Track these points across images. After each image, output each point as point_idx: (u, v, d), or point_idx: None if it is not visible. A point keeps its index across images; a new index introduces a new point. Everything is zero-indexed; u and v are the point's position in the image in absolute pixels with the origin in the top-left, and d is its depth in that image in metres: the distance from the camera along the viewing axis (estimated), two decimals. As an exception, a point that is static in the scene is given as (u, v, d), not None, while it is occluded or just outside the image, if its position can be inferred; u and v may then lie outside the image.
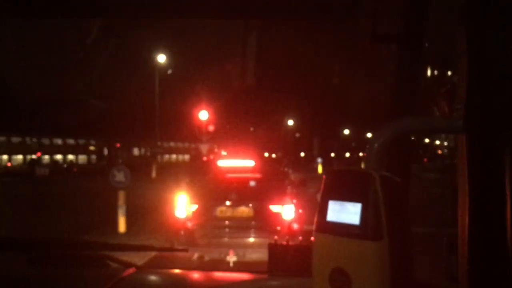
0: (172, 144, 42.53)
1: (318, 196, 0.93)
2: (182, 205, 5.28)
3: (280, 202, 5.33)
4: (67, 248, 1.69)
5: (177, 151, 50.45)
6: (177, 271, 1.47)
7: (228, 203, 5.39)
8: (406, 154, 1.32)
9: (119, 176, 6.99)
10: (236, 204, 5.36)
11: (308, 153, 44.28)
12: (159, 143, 32.17)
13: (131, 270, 1.32)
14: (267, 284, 1.25)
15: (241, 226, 5.09)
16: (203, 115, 11.78)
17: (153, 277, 1.38)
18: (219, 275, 1.47)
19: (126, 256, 1.52)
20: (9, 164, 31.18)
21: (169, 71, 20.51)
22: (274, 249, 1.24)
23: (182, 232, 5.08)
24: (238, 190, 5.53)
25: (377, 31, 1.27)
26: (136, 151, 44.19)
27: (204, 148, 11.51)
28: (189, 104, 16.04)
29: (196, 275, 1.46)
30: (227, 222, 5.15)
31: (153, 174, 21.44)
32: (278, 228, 4.99)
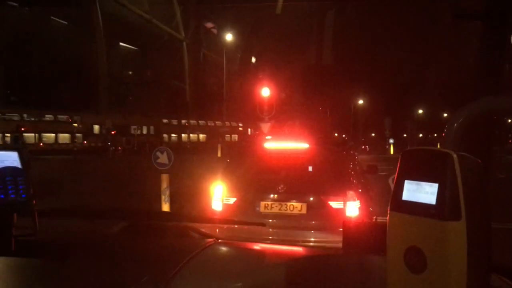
0: (234, 124, 41.82)
1: (391, 181, 0.92)
2: (218, 196, 4.42)
3: (342, 196, 4.06)
4: (154, 219, 1.80)
5: (239, 131, 50.18)
6: (254, 244, 1.52)
7: (274, 196, 4.25)
8: (488, 135, 1.26)
9: (163, 158, 6.49)
10: (284, 198, 4.21)
11: (379, 134, 42.80)
12: (227, 123, 32.42)
13: (212, 241, 1.39)
14: (341, 260, 1.27)
15: (290, 226, 4.06)
16: (265, 91, 11.03)
17: (232, 248, 1.45)
18: (294, 249, 1.50)
19: (206, 228, 1.60)
20: (85, 142, 32.89)
21: (253, 60, 20.66)
22: (349, 227, 1.25)
23: (217, 230, 3.56)
24: (288, 180, 4.34)
25: (460, 8, 1.21)
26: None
27: (265, 127, 10.49)
28: (254, 82, 16.11)
29: (272, 248, 1.50)
30: (272, 221, 4.12)
31: (219, 154, 21.82)
32: (340, 229, 3.61)
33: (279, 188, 4.24)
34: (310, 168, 4.46)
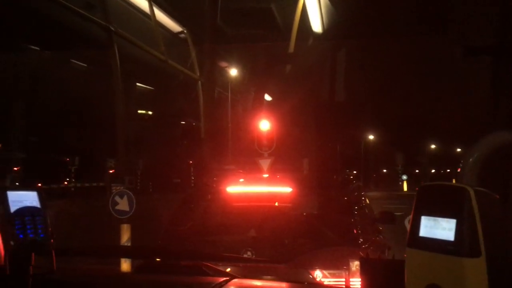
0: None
1: (407, 223, 0.90)
2: None
3: (341, 267, 2.29)
4: (167, 257, 1.79)
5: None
6: (271, 281, 1.50)
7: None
8: (505, 169, 1.25)
9: (122, 203, 5.45)
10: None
11: (391, 169, 42.25)
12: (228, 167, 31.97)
13: (228, 279, 1.38)
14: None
15: None
16: (264, 125, 9.82)
17: (247, 286, 1.42)
18: (311, 287, 1.47)
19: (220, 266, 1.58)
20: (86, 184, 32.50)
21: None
22: (365, 264, 1.22)
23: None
24: (258, 244, 2.94)
25: (470, 44, 1.22)
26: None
27: (265, 164, 9.26)
28: (251, 116, 16.04)
29: (288, 286, 1.48)
30: None
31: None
32: None
33: (244, 256, 2.63)
34: (293, 225, 3.15)
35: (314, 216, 3.43)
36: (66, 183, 29.03)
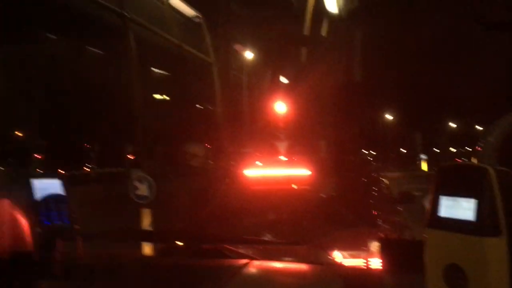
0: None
1: (427, 203, 0.90)
2: None
3: (361, 248, 2.31)
4: (188, 240, 1.82)
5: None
6: (290, 263, 1.52)
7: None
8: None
9: (142, 188, 5.38)
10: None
11: (410, 149, 41.70)
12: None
13: (248, 261, 1.40)
14: (382, 279, 1.25)
15: None
16: (280, 107, 9.69)
17: (268, 268, 1.44)
18: (333, 268, 1.49)
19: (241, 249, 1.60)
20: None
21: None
22: (386, 244, 1.23)
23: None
24: (277, 226, 2.90)
25: (491, 20, 1.20)
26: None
27: (282, 146, 9.07)
28: (268, 99, 15.95)
29: (309, 267, 1.49)
30: None
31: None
32: None
33: (262, 238, 2.57)
34: (311, 207, 3.15)
35: (332, 197, 3.46)
36: (86, 169, 29.48)
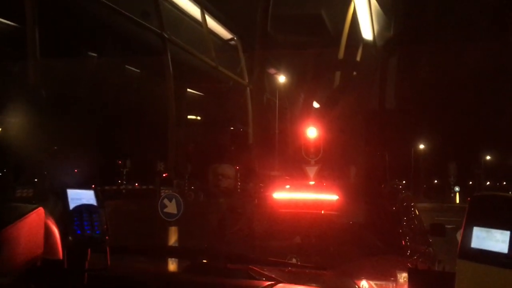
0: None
1: (459, 236, 0.88)
2: None
3: (388, 278, 2.14)
4: (214, 259, 1.82)
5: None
6: (314, 287, 1.50)
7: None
8: None
9: (171, 206, 5.50)
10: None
11: (443, 180, 40.42)
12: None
13: (273, 283, 1.39)
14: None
15: None
16: (311, 132, 9.69)
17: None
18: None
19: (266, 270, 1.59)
20: (136, 185, 33.10)
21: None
22: (414, 275, 1.19)
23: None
24: (304, 250, 2.93)
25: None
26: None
27: (311, 171, 9.12)
28: (299, 123, 15.92)
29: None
30: None
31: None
32: None
33: (289, 261, 2.57)
34: (339, 233, 3.17)
35: (361, 224, 3.37)
36: (117, 185, 30.03)
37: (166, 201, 5.77)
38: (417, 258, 2.91)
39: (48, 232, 1.28)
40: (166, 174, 28.12)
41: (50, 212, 1.37)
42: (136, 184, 32.46)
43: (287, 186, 4.05)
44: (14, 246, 1.17)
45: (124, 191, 30.21)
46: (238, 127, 29.43)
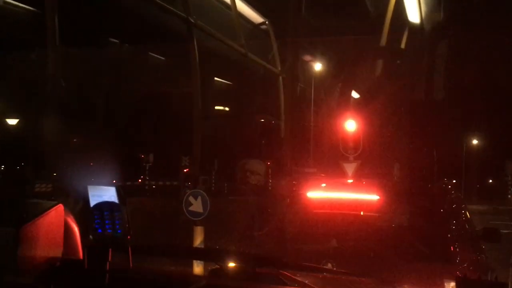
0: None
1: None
2: None
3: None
4: (245, 263, 1.84)
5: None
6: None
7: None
8: None
9: (196, 205, 5.54)
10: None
11: (498, 180, 39.24)
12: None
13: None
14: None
15: None
16: (350, 125, 9.53)
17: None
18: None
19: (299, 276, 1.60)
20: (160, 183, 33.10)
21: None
22: (463, 285, 1.18)
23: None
24: (341, 255, 2.95)
25: None
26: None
27: (350, 168, 9.00)
28: (337, 115, 15.75)
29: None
30: None
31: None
32: None
33: (323, 266, 2.63)
34: (379, 237, 3.10)
35: (404, 228, 3.36)
36: (140, 180, 30.46)
37: (191, 198, 5.81)
38: (467, 266, 2.87)
39: (67, 231, 1.32)
40: (188, 170, 28.40)
41: (70, 209, 1.41)
42: (159, 181, 32.86)
43: (323, 185, 4.04)
44: (33, 244, 1.21)
45: (147, 187, 30.63)
46: (269, 119, 29.45)
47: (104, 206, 1.36)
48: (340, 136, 9.74)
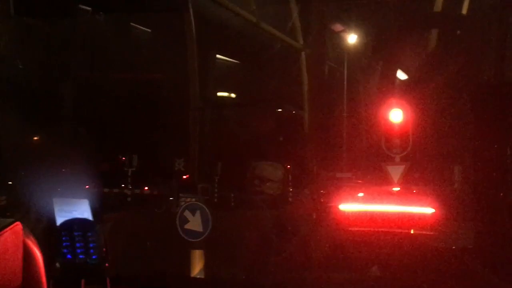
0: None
1: None
2: None
3: None
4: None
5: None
6: None
7: None
8: None
9: (194, 221, 5.63)
10: None
11: None
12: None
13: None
14: None
15: None
16: (396, 115, 9.47)
17: None
18: None
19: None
20: (146, 189, 33.36)
21: None
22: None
23: None
24: (378, 285, 3.04)
25: None
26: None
27: (396, 172, 8.86)
28: (377, 102, 15.62)
29: None
30: None
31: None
32: None
33: None
34: (435, 262, 3.18)
35: (467, 251, 3.33)
36: (120, 189, 30.52)
37: (187, 213, 5.83)
38: None
39: (27, 257, 1.32)
40: (187, 176, 28.43)
41: (31, 228, 1.41)
42: (146, 188, 32.82)
43: (360, 194, 4.02)
44: (-18, 275, 1.22)
45: (129, 198, 30.62)
46: (289, 109, 29.43)
47: (74, 224, 1.37)
48: (382, 130, 9.69)
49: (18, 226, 1.34)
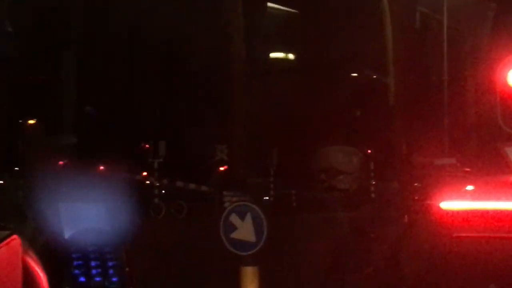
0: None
1: None
2: None
3: None
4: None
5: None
6: None
7: None
8: None
9: (243, 229, 5.82)
10: None
11: None
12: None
13: None
14: None
15: None
16: None
17: None
18: None
19: None
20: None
21: None
22: None
23: None
24: None
25: None
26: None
27: None
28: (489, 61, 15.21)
29: None
30: None
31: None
32: None
33: None
34: None
35: None
36: (146, 182, 30.87)
37: (234, 218, 5.83)
38: None
39: (28, 278, 1.35)
40: (227, 167, 28.41)
41: (30, 241, 1.44)
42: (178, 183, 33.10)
43: (469, 187, 3.99)
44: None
45: (156, 199, 30.82)
46: (367, 73, 29.27)
47: (88, 237, 1.39)
48: (498, 98, 9.50)
49: (15, 240, 1.38)
